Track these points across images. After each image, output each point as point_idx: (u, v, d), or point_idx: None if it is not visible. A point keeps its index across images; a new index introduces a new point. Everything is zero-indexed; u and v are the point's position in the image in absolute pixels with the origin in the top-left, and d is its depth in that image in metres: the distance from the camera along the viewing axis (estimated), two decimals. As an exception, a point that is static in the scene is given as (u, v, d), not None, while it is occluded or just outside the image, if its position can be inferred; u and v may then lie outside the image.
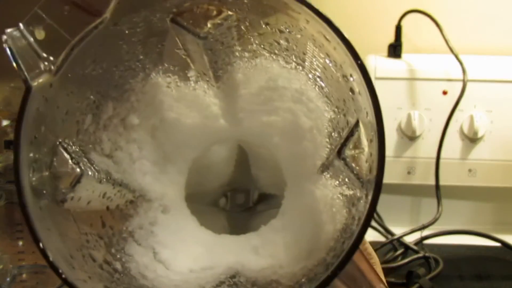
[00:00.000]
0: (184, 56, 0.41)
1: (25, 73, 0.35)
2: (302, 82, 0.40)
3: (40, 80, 0.35)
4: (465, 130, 0.76)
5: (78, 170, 0.37)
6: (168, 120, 0.41)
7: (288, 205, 0.43)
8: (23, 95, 0.36)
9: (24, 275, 0.67)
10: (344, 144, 0.35)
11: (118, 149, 0.41)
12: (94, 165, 0.39)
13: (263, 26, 0.40)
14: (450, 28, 0.78)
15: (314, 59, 0.40)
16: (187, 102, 0.41)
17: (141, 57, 0.41)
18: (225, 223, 0.51)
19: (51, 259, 0.35)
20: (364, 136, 0.35)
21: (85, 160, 0.39)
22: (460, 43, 0.78)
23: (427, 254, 0.69)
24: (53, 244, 0.36)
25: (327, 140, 0.40)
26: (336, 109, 0.40)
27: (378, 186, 0.33)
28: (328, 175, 0.40)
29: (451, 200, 0.79)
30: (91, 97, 0.40)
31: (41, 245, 0.35)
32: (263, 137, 0.42)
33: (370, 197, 0.34)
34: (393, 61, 0.79)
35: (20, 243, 0.66)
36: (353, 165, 0.35)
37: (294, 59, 0.41)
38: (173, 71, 0.41)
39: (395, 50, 0.80)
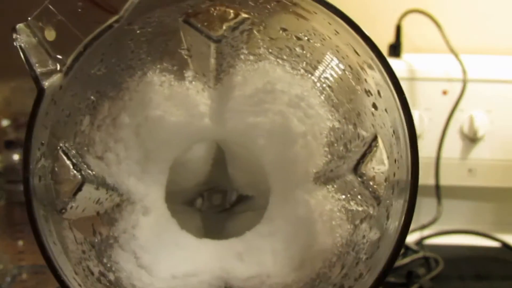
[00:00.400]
0: (186, 57, 0.40)
1: (37, 73, 0.34)
2: (305, 88, 0.40)
3: (51, 81, 0.34)
4: (465, 130, 0.76)
5: (79, 177, 0.36)
6: (152, 117, 0.40)
7: (275, 211, 0.42)
8: (35, 98, 0.34)
9: (24, 275, 0.67)
10: (361, 160, 0.34)
11: (108, 150, 0.40)
12: (92, 170, 0.38)
13: (279, 31, 0.39)
14: (450, 28, 0.78)
15: (328, 69, 0.39)
16: (177, 100, 0.40)
17: (143, 56, 0.40)
18: (200, 224, 0.50)
19: (67, 283, 0.34)
20: (385, 153, 0.35)
21: (84, 165, 0.38)
22: (460, 43, 0.78)
23: (427, 254, 0.69)
24: (60, 260, 0.36)
25: (326, 149, 0.39)
26: (343, 120, 0.39)
27: (409, 213, 0.33)
28: (333, 188, 0.39)
29: (451, 200, 0.79)
30: (92, 97, 0.39)
31: (58, 270, 0.34)
32: (247, 138, 0.41)
33: (393, 220, 0.33)
34: (393, 61, 0.79)
35: (20, 243, 0.66)
36: (371, 183, 0.34)
37: (304, 66, 0.40)
38: (170, 70, 0.41)
39: (395, 50, 0.80)
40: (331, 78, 0.40)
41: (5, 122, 0.87)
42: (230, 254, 0.41)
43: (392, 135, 0.35)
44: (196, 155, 0.48)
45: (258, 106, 0.40)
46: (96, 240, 0.39)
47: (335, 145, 0.39)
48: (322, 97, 0.40)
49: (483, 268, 0.68)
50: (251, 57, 0.40)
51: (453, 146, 0.77)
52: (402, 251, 0.71)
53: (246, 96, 0.40)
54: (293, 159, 0.40)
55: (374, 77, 0.35)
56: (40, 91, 0.34)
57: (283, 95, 0.40)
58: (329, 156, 0.39)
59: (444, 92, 0.77)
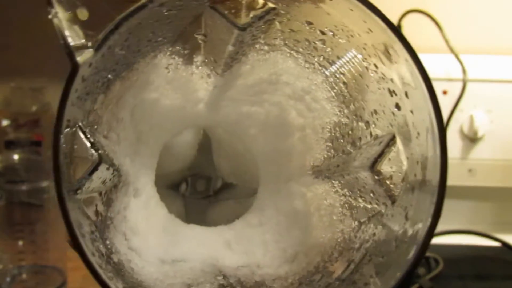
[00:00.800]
0: (200, 41, 0.40)
1: (71, 48, 0.33)
2: (314, 82, 0.39)
3: (83, 57, 0.33)
4: (465, 130, 0.76)
5: (97, 156, 0.36)
6: (148, 99, 0.40)
7: (266, 201, 0.41)
8: (69, 73, 0.33)
9: (24, 275, 0.67)
10: (378, 158, 0.34)
11: (111, 129, 0.39)
12: (104, 150, 0.38)
13: (303, 24, 0.39)
14: (450, 28, 0.78)
15: (348, 65, 0.39)
16: (177, 84, 0.40)
17: (160, 38, 0.40)
18: (182, 209, 0.50)
19: (97, 269, 0.33)
20: (403, 154, 0.34)
21: (100, 144, 0.37)
22: (460, 43, 0.78)
23: (427, 254, 0.69)
24: (84, 243, 0.35)
25: (329, 144, 0.39)
26: (353, 117, 0.39)
27: (436, 215, 0.33)
28: (339, 183, 0.39)
29: (451, 200, 0.79)
30: (109, 76, 0.39)
31: (84, 250, 0.33)
32: (238, 127, 0.41)
33: (413, 221, 0.33)
34: (393, 61, 0.79)
35: (20, 243, 0.66)
36: (387, 182, 0.34)
37: (319, 60, 0.40)
38: (181, 53, 0.40)
39: (395, 50, 0.80)
40: (348, 75, 0.39)
41: (5, 122, 0.87)
42: (218, 242, 0.41)
43: (417, 137, 0.35)
44: (182, 140, 0.48)
45: (256, 96, 0.40)
46: (98, 220, 0.39)
47: (341, 140, 0.39)
48: (333, 92, 0.39)
49: (483, 268, 0.68)
50: (266, 47, 0.40)
51: (453, 146, 0.77)
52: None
53: (248, 85, 0.40)
54: (287, 151, 0.40)
55: (404, 78, 0.35)
56: (74, 66, 0.33)
57: (286, 87, 0.39)
58: (332, 151, 0.39)
59: (444, 92, 0.77)
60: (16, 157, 0.68)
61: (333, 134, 0.39)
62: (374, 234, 0.37)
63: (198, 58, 0.40)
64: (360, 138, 0.38)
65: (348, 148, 0.38)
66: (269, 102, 0.40)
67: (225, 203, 0.49)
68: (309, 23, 0.39)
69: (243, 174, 0.46)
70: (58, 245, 0.68)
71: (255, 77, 0.40)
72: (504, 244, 0.73)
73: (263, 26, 0.37)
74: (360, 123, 0.38)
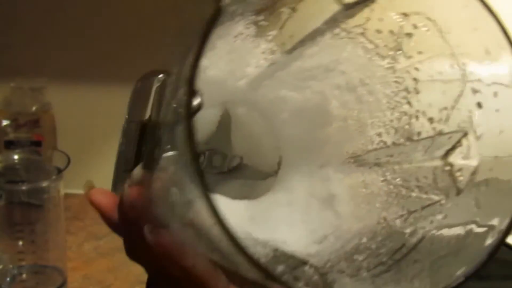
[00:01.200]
0: (285, 16, 0.38)
1: None
2: (376, 74, 0.38)
3: (225, 3, 0.32)
4: (465, 130, 0.76)
5: (199, 102, 0.35)
6: (199, 66, 0.39)
7: (294, 184, 0.41)
8: (211, 16, 0.31)
9: (24, 275, 0.67)
10: (449, 151, 0.34)
11: None
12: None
13: (397, 14, 0.37)
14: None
15: (428, 62, 0.37)
16: (235, 56, 0.39)
17: (256, 5, 0.38)
18: None
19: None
20: (475, 149, 0.34)
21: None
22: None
23: (427, 254, 0.69)
24: None
25: (377, 136, 0.38)
26: (415, 112, 0.37)
27: None
28: (392, 170, 0.38)
29: (451, 200, 0.79)
30: None
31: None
32: (271, 109, 0.40)
33: (487, 219, 0.33)
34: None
35: (20, 243, 0.66)
36: (457, 174, 0.34)
37: (395, 54, 0.38)
38: (258, 25, 0.38)
39: (395, 50, 0.80)
40: (423, 72, 0.37)
41: (5, 122, 0.87)
42: (243, 216, 0.40)
43: (497, 135, 0.34)
44: (204, 113, 0.47)
45: (302, 82, 0.39)
46: None
47: (393, 133, 0.38)
48: (395, 87, 0.38)
49: (483, 268, 0.68)
50: (343, 33, 0.38)
51: (453, 146, 0.77)
52: (402, 251, 0.71)
53: (303, 68, 0.39)
54: (321, 139, 0.39)
55: (500, 78, 0.34)
56: (218, 10, 0.31)
57: (340, 76, 0.38)
58: (381, 143, 0.38)
59: (444, 92, 0.77)
60: (16, 157, 0.68)
61: (385, 128, 0.38)
62: (431, 222, 0.36)
63: (272, 33, 0.38)
64: (419, 133, 0.37)
65: (402, 141, 0.37)
66: (311, 89, 0.39)
67: (233, 182, 0.49)
68: (405, 14, 0.36)
69: (256, 156, 0.46)
70: (58, 245, 0.68)
71: (316, 61, 0.38)
72: (504, 244, 0.73)
73: (357, 9, 0.36)
74: (421, 119, 0.37)
